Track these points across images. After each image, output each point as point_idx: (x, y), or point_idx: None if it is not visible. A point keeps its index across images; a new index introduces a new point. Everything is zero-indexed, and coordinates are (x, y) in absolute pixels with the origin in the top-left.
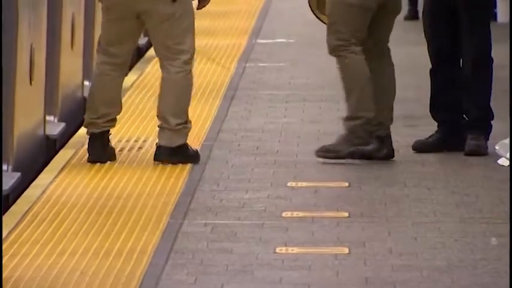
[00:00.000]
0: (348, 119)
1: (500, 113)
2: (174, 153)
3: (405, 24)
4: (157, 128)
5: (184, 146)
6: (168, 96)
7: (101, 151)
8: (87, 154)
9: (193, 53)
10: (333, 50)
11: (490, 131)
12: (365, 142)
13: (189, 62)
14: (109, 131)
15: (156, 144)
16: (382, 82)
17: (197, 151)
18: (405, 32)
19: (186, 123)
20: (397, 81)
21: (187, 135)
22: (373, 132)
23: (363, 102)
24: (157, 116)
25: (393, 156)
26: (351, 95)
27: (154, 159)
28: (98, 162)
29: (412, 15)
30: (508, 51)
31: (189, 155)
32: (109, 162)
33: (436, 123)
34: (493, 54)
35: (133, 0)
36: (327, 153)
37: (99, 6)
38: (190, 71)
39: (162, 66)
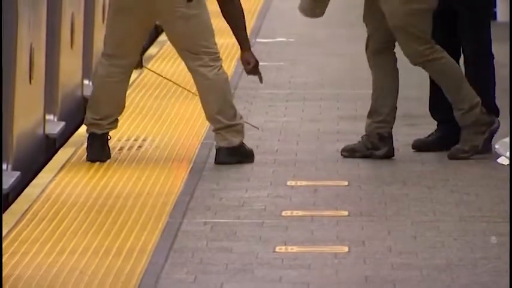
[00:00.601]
0: (468, 111)
1: (500, 112)
2: (233, 153)
3: None
4: (213, 133)
5: (242, 146)
6: (209, 97)
7: (101, 151)
8: (86, 153)
9: (218, 52)
10: (420, 56)
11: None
12: (491, 123)
13: (217, 59)
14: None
15: (215, 147)
16: (386, 80)
17: (252, 150)
18: None
19: (236, 117)
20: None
21: (242, 132)
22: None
23: (470, 90)
24: (208, 120)
25: (393, 155)
26: (461, 90)
27: (215, 163)
28: (97, 161)
29: None
30: (508, 50)
31: (247, 154)
32: (109, 161)
33: (434, 123)
34: (495, 54)
35: (147, 1)
36: (467, 153)
37: (98, 7)
38: (221, 66)
39: (191, 70)
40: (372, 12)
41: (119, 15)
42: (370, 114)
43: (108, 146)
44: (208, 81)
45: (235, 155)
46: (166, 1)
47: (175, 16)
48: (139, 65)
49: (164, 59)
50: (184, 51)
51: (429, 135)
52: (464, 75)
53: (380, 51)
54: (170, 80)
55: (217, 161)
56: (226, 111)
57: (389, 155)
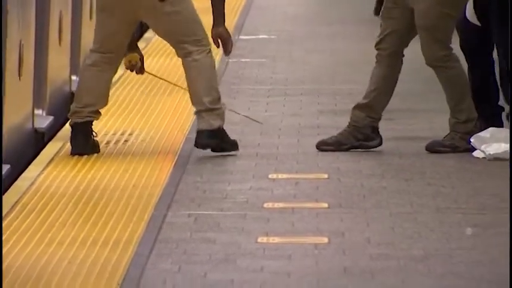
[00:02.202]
0: (463, 122)
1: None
2: (213, 136)
3: None
4: (195, 116)
5: (223, 131)
6: (198, 78)
7: (84, 143)
8: (71, 147)
9: (207, 38)
10: (438, 61)
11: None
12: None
13: (207, 44)
14: (92, 122)
15: (197, 130)
16: (390, 82)
17: (235, 141)
18: None
19: (219, 101)
20: None
21: (223, 117)
22: None
23: (471, 103)
24: (192, 103)
25: (381, 144)
26: (463, 101)
27: (195, 145)
28: (81, 154)
29: None
30: None
31: (228, 141)
32: (96, 154)
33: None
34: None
35: (128, 1)
36: (445, 148)
37: (86, 5)
38: (210, 50)
39: (180, 56)
40: (396, 10)
41: (102, 15)
42: (365, 109)
43: (94, 140)
44: (196, 62)
45: (215, 137)
46: (143, 3)
47: (156, 14)
48: (142, 70)
49: (150, 55)
50: (173, 43)
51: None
52: (469, 88)
53: (396, 54)
54: (170, 82)
55: (197, 143)
56: (211, 93)
57: (380, 144)
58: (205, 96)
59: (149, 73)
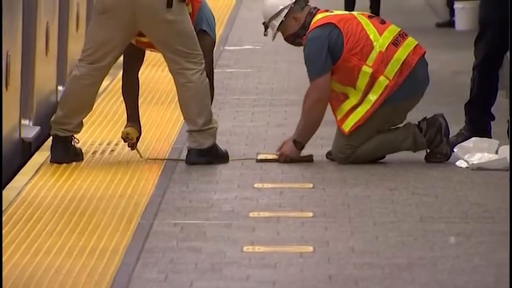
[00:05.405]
0: (415, 149)
1: (457, 118)
2: (203, 154)
3: None
4: (187, 132)
5: (214, 147)
6: (192, 100)
7: (64, 152)
8: (50, 155)
9: (202, 56)
10: (343, 152)
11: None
12: (439, 129)
13: (201, 62)
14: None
15: (187, 147)
16: None
17: (226, 151)
18: None
19: (211, 122)
20: None
21: (215, 135)
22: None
23: (404, 136)
24: (185, 121)
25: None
26: (400, 146)
27: (185, 162)
28: (60, 163)
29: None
30: (466, 57)
31: (219, 155)
32: (82, 164)
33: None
34: (453, 61)
35: (131, 3)
36: (443, 156)
37: (72, 16)
38: (204, 70)
39: (175, 73)
40: None
41: (101, 17)
42: None
43: (76, 148)
44: (192, 83)
45: (205, 155)
46: (148, 6)
47: (158, 20)
48: (133, 147)
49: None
50: (168, 54)
51: (458, 135)
52: (385, 139)
53: None
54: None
55: (188, 161)
56: (205, 115)
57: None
58: (199, 117)
59: (138, 152)
